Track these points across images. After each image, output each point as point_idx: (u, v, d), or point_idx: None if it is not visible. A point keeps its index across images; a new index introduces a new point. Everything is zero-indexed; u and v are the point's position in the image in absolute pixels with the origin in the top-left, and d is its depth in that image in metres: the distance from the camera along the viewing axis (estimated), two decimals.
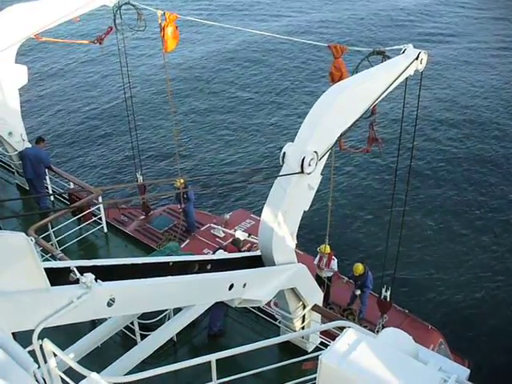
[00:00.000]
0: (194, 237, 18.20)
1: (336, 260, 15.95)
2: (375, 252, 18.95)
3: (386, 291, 13.42)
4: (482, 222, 21.96)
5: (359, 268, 15.45)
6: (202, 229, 18.66)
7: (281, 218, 9.57)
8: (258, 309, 12.28)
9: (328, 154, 9.76)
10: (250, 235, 16.56)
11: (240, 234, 16.63)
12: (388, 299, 13.52)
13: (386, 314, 13.74)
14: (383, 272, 13.62)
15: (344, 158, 24.81)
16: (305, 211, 10.06)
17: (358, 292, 15.65)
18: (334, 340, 6.60)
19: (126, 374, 7.96)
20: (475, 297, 18.50)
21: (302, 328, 11.43)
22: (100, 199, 15.01)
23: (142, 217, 19.10)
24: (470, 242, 21.03)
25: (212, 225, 18.70)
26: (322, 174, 9.88)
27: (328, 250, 15.28)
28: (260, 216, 10.04)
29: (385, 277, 13.64)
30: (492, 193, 23.77)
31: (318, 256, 15.72)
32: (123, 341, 11.04)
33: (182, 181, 17.30)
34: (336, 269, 16.02)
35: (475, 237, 21.27)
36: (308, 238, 19.07)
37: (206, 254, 15.69)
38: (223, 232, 18.12)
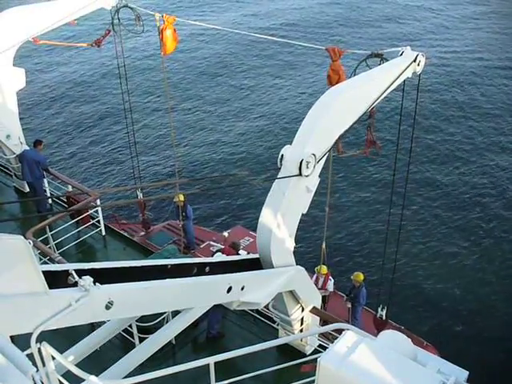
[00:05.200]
0: (193, 254, 18.24)
1: (332, 280, 15.71)
2: (372, 269, 18.67)
3: (382, 310, 13.45)
4: (481, 236, 21.71)
5: (360, 276, 15.12)
6: (202, 246, 18.70)
7: (279, 220, 9.58)
8: (257, 311, 12.28)
9: (326, 156, 9.78)
10: (248, 253, 16.47)
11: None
12: (384, 318, 13.54)
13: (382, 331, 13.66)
14: (379, 290, 13.64)
15: (340, 164, 24.74)
16: (303, 214, 10.07)
17: (349, 305, 15.32)
18: (332, 342, 6.60)
19: (124, 377, 7.96)
20: (471, 312, 18.31)
21: (301, 330, 11.43)
22: (98, 202, 15.01)
23: (142, 233, 19.14)
24: (467, 255, 20.80)
25: (211, 242, 18.78)
26: (319, 177, 9.91)
27: (325, 270, 15.13)
28: None
29: (381, 295, 13.63)
30: (493, 206, 23.36)
31: (314, 276, 15.36)
32: (122, 344, 11.03)
33: (182, 197, 17.31)
34: (331, 289, 15.73)
35: (472, 249, 21.06)
36: (303, 254, 19.07)
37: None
38: None
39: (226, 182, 22.24)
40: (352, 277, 15.39)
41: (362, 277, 15.19)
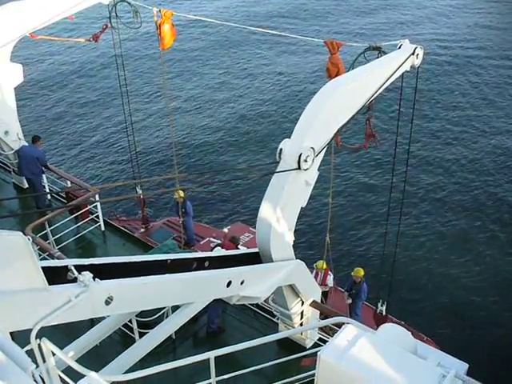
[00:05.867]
0: (193, 250, 18.21)
1: (332, 276, 15.59)
2: (372, 264, 18.52)
3: (381, 305, 13.45)
4: (482, 232, 21.65)
5: (360, 272, 15.04)
6: (202, 242, 18.68)
7: (278, 214, 9.56)
8: (257, 305, 12.28)
9: (325, 150, 9.76)
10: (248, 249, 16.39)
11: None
12: (384, 313, 13.54)
13: None
14: (379, 285, 13.62)
15: (341, 160, 24.64)
16: (302, 207, 10.06)
17: (349, 301, 15.21)
18: (332, 336, 6.60)
19: (124, 372, 7.96)
20: (471, 307, 18.29)
21: (301, 324, 11.44)
22: (97, 197, 14.99)
23: (142, 230, 19.13)
24: (467, 250, 20.75)
25: (211, 238, 18.76)
26: (318, 171, 9.89)
27: (324, 266, 15.05)
28: None
29: (381, 290, 13.60)
30: (496, 200, 23.27)
31: (314, 272, 15.14)
32: (122, 339, 11.03)
33: (181, 194, 17.33)
34: (331, 284, 15.65)
35: (472, 245, 21.02)
36: (303, 248, 19.04)
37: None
38: None
39: (225, 177, 22.26)
40: (352, 273, 15.32)
41: (362, 272, 15.13)
